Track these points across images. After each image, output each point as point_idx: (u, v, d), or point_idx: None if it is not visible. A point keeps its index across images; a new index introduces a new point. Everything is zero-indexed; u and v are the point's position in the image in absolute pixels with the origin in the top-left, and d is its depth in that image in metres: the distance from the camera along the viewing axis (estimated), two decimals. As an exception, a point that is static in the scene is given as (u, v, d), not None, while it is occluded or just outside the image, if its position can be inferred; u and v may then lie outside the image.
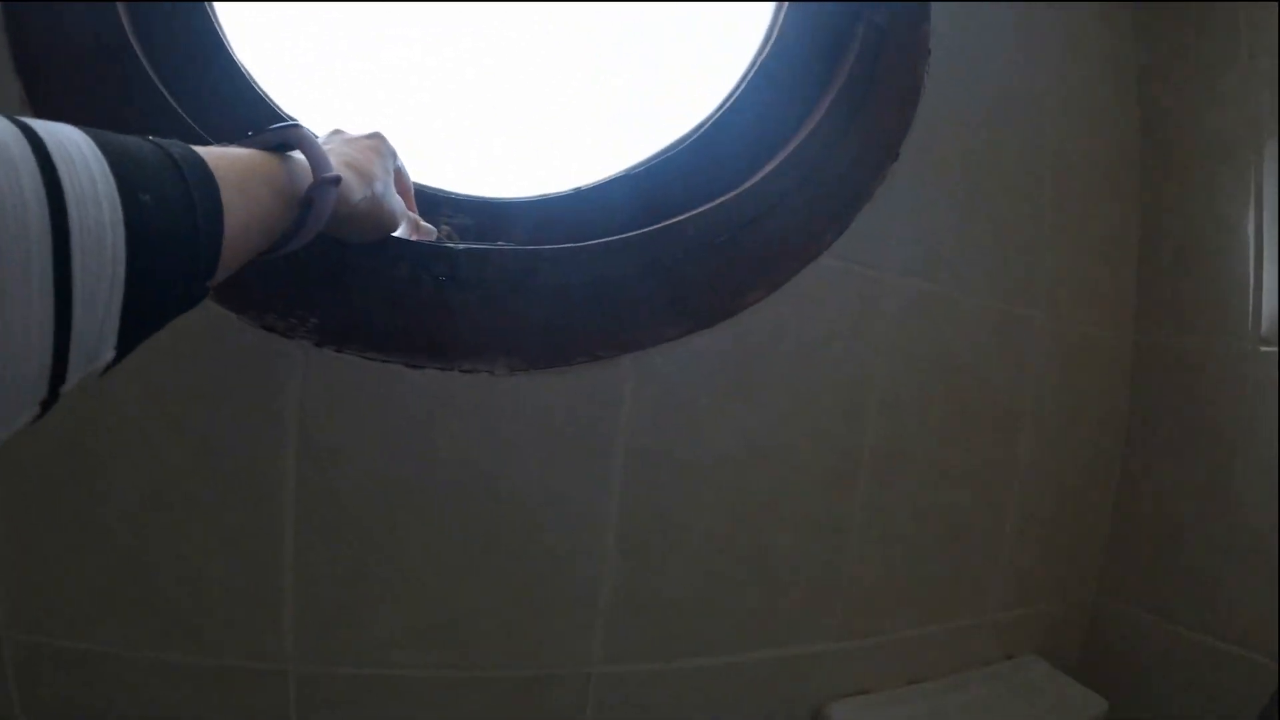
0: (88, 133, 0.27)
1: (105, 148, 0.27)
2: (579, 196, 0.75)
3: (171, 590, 0.60)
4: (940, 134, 0.81)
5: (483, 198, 0.73)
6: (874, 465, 0.77)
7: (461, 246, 0.62)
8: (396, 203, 0.56)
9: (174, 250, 0.30)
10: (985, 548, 0.87)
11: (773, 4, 0.79)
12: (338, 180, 0.44)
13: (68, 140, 0.25)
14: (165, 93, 0.60)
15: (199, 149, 0.34)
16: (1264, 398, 0.89)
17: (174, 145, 0.32)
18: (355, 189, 0.48)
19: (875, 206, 0.75)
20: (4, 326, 0.21)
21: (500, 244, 0.64)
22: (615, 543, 0.67)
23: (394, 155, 0.57)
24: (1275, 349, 0.89)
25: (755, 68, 0.78)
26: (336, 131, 0.56)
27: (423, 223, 0.64)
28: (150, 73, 0.60)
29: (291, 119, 0.42)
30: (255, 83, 0.67)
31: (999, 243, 0.85)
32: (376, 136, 0.56)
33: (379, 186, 0.52)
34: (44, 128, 0.25)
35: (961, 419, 0.83)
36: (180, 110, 0.60)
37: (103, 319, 0.26)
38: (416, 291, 0.62)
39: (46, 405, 0.25)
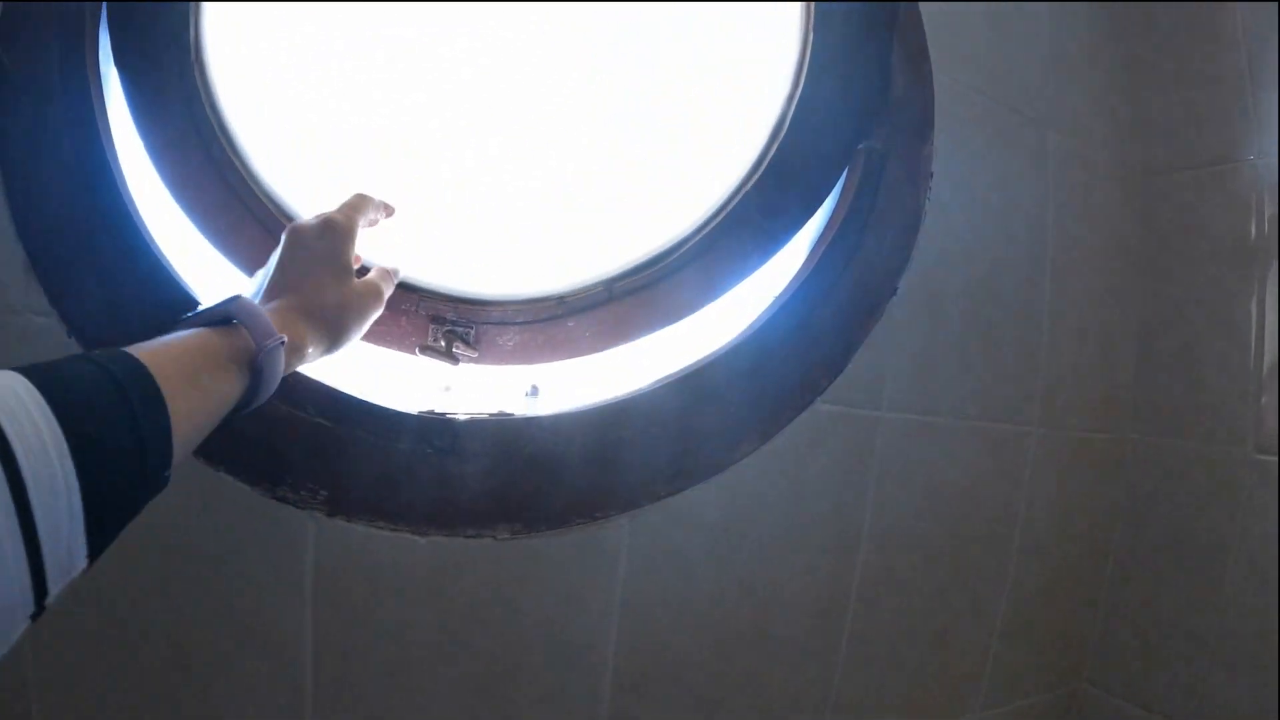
0: (29, 375, 0.31)
1: (45, 389, 0.31)
2: (562, 303, 0.76)
3: (201, 736, 0.65)
4: (941, 260, 0.81)
5: (479, 300, 0.75)
6: (863, 592, 0.80)
7: (461, 418, 0.65)
8: (356, 294, 0.55)
9: (123, 463, 0.33)
10: (973, 653, 0.90)
11: (764, 135, 0.78)
12: (282, 342, 0.45)
13: (8, 392, 0.30)
14: (167, 263, 0.63)
15: (141, 351, 0.37)
16: (1257, 504, 0.90)
17: (115, 360, 0.35)
18: (308, 338, 0.50)
19: (871, 345, 0.76)
20: None
21: (501, 413, 0.67)
22: (612, 681, 0.71)
23: (336, 234, 0.55)
24: (1273, 458, 0.89)
25: (739, 196, 0.77)
26: (278, 264, 0.54)
27: (386, 268, 0.63)
28: (151, 243, 0.63)
29: (234, 295, 0.45)
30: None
31: (995, 362, 0.86)
32: (312, 229, 0.54)
33: (330, 312, 0.52)
34: None
35: (952, 538, 0.85)
36: (183, 283, 0.62)
37: (69, 539, 0.31)
38: (419, 464, 0.65)
39: (35, 617, 0.30)
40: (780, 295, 0.74)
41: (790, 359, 0.73)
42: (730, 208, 0.76)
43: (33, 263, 0.59)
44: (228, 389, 0.42)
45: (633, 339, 0.76)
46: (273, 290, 0.52)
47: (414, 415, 0.65)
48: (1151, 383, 1.00)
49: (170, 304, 0.63)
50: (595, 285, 0.75)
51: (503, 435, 0.65)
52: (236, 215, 0.69)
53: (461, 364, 0.74)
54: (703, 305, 0.76)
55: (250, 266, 0.70)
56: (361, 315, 0.55)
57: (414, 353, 0.73)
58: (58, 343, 0.59)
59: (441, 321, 0.74)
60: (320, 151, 0.76)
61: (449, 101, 0.78)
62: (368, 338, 0.75)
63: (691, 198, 0.81)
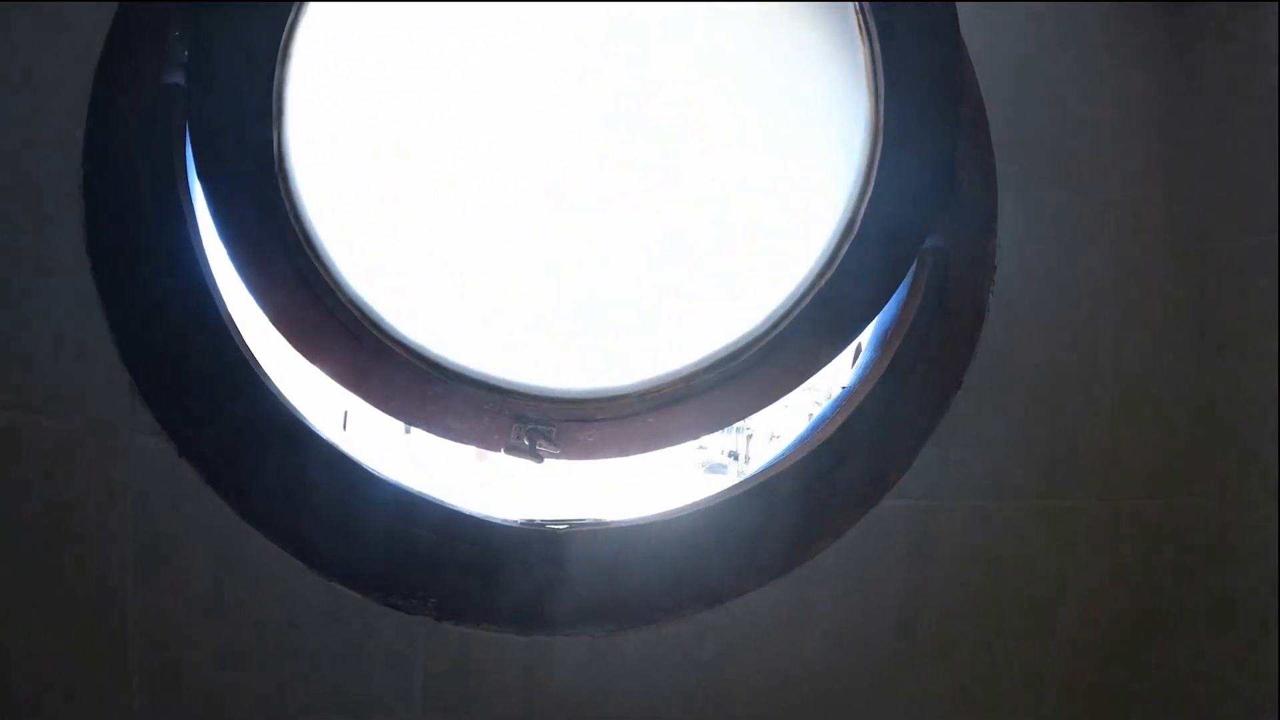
0: None
1: None
2: (643, 400, 0.79)
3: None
4: (1004, 351, 0.84)
5: (560, 399, 0.78)
6: (922, 666, 0.85)
7: (561, 528, 0.69)
8: None
9: None
10: (1028, 716, 0.95)
11: (832, 230, 0.80)
12: None
13: None
14: (264, 375, 0.66)
15: None
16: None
17: None
18: None
19: (937, 439, 0.80)
20: None
21: (597, 520, 0.71)
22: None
23: None
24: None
25: (810, 295, 0.79)
26: None
27: None
28: (249, 358, 0.66)
29: None
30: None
31: (1053, 443, 0.89)
32: None
33: None
34: None
35: (1008, 608, 0.89)
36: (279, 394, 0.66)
37: None
38: (521, 570, 0.69)
39: None
40: (853, 396, 0.77)
41: (863, 459, 0.76)
42: (802, 306, 0.79)
43: (138, 385, 0.62)
44: None
45: (711, 431, 0.79)
46: None
47: (516, 526, 0.69)
48: (1205, 450, 1.02)
49: (268, 415, 0.66)
50: (674, 382, 0.78)
51: (597, 542, 0.70)
52: (324, 324, 0.72)
53: (545, 460, 0.77)
54: (776, 399, 0.79)
55: (339, 372, 0.73)
56: None
57: (499, 451, 0.77)
58: (167, 461, 0.63)
59: (524, 420, 0.77)
60: (398, 234, 0.77)
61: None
62: (453, 436, 0.79)
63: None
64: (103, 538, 0.62)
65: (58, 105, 0.61)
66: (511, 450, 0.76)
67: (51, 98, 0.61)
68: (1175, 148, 1.01)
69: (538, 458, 0.77)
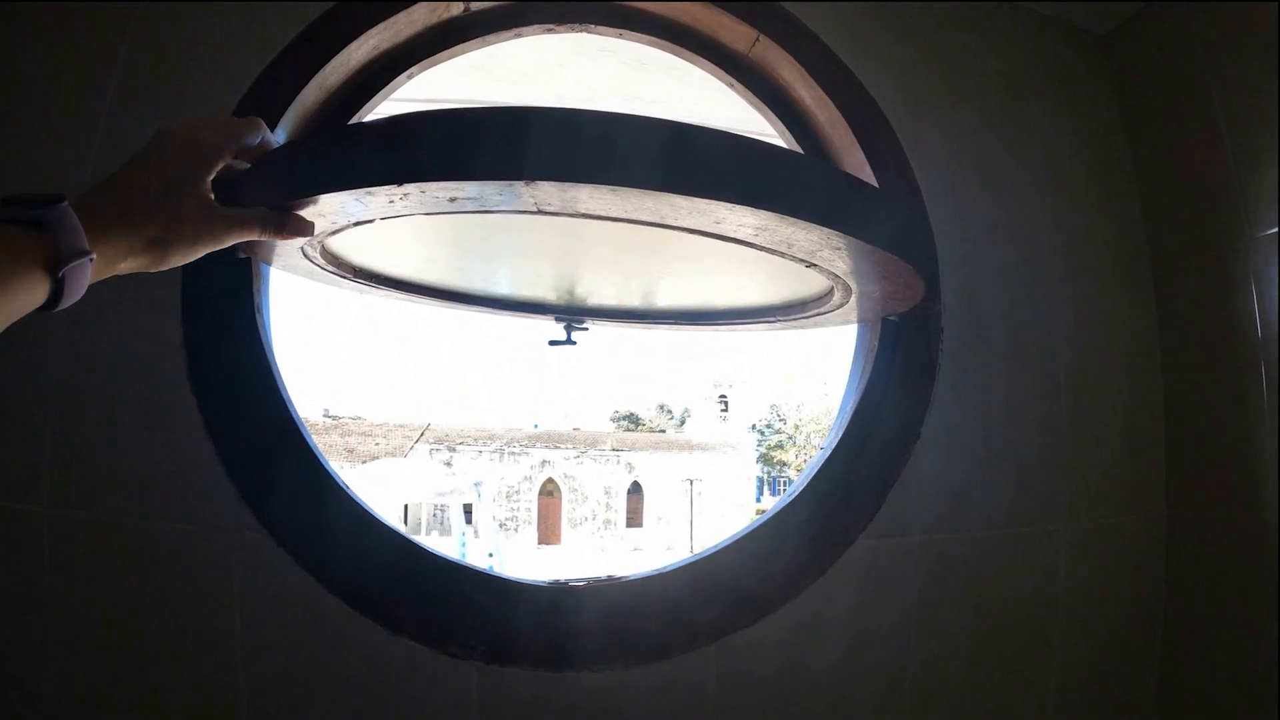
0: None
1: None
2: (646, 317, 0.94)
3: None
4: (957, 400, 0.96)
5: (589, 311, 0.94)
6: (916, 679, 0.95)
7: (581, 584, 0.85)
8: (200, 220, 0.51)
9: None
10: (1027, 725, 1.03)
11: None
12: (90, 258, 0.44)
13: None
14: (342, 482, 0.86)
15: None
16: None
17: None
18: (124, 254, 0.48)
19: (902, 484, 0.92)
20: None
21: (610, 576, 0.87)
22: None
23: (202, 155, 0.51)
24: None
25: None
26: (140, 165, 0.49)
27: (298, 217, 0.56)
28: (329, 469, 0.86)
29: (57, 199, 0.43)
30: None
31: (1017, 477, 0.99)
32: (183, 143, 0.50)
33: (159, 235, 0.49)
34: None
35: (995, 628, 0.99)
36: (357, 498, 0.85)
37: None
38: (553, 620, 0.85)
39: None
40: (824, 454, 0.91)
41: (836, 506, 0.90)
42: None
43: (242, 494, 0.81)
44: (23, 295, 0.41)
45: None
46: (119, 190, 0.48)
47: (545, 585, 0.85)
48: (1180, 459, 1.08)
49: (344, 511, 0.85)
50: (667, 312, 0.94)
51: (614, 594, 0.85)
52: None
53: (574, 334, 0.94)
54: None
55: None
56: (194, 243, 0.51)
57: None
58: (268, 552, 0.81)
59: (565, 321, 0.93)
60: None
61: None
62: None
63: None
64: (216, 614, 0.80)
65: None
66: (554, 344, 0.93)
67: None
68: (1119, 183, 1.11)
69: (573, 343, 0.93)
